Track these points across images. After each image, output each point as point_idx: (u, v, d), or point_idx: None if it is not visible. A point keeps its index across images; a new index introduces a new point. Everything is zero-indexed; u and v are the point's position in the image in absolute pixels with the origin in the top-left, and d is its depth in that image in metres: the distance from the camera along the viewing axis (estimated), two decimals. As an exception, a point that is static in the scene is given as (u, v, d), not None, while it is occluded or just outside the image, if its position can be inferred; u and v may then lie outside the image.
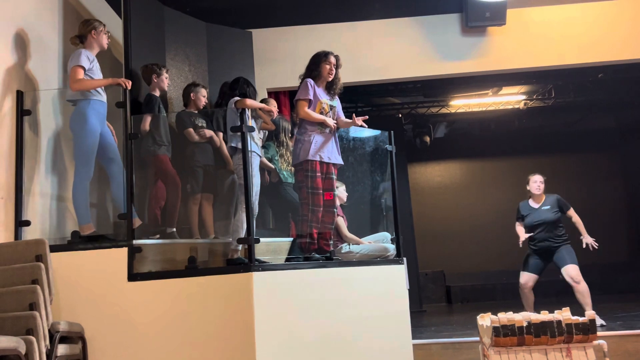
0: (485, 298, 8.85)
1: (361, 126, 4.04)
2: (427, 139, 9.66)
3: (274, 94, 6.02)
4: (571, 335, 3.54)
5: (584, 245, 5.17)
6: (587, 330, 3.55)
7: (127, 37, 4.08)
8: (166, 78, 4.24)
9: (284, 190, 4.46)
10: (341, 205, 4.63)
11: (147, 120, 3.98)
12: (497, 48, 6.11)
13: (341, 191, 4.59)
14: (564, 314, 3.63)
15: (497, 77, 7.76)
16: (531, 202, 5.43)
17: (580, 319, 3.57)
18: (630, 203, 10.30)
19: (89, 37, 3.84)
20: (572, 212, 5.32)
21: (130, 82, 3.76)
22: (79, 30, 3.90)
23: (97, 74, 3.83)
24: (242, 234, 3.54)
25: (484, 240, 10.03)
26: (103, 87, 3.82)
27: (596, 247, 5.14)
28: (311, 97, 3.90)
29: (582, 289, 5.05)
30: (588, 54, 6.11)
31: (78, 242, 3.62)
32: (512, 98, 9.00)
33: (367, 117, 4.05)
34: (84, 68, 3.66)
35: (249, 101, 3.79)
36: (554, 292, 6.75)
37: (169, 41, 4.82)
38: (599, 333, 4.34)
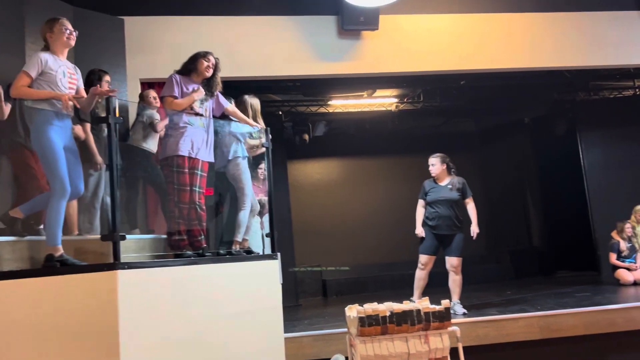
0: (358, 290, 9.19)
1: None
2: (306, 137, 9.84)
3: (148, 84, 5.81)
4: (429, 322, 3.82)
5: (472, 233, 5.50)
6: (443, 317, 3.85)
7: (-22, 17, 3.72)
8: None
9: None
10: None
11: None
12: (370, 52, 6.39)
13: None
14: (422, 303, 3.90)
15: (372, 80, 8.09)
16: (436, 180, 5.64)
17: (437, 307, 3.86)
18: (486, 202, 11.24)
19: (48, 40, 3.49)
20: (470, 201, 5.60)
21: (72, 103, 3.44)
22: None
23: (59, 81, 3.43)
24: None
25: (358, 236, 10.43)
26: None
27: (474, 237, 5.51)
28: (176, 93, 3.85)
29: (457, 279, 5.44)
30: (451, 62, 6.61)
31: None
32: (385, 100, 9.44)
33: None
34: (30, 76, 3.34)
35: None
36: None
37: (29, 24, 4.48)
38: (458, 320, 4.76)
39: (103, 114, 3.50)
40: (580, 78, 8.76)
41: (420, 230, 5.56)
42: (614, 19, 7.02)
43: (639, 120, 8.41)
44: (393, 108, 9.66)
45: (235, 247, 4.19)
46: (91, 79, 4.43)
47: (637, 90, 9.39)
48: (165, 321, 3.34)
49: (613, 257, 7.32)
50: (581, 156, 8.56)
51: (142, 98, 5.14)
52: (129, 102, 5.24)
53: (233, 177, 4.40)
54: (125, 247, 3.44)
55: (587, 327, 4.87)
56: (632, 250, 7.33)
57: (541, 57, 6.86)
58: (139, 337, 3.16)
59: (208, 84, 4.03)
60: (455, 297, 5.42)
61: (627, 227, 7.37)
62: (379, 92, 9.08)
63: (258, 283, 4.08)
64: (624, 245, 7.31)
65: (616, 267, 7.30)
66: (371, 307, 3.82)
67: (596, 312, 4.96)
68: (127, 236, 3.43)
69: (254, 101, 4.72)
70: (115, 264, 3.15)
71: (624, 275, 7.16)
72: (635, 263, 7.25)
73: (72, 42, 3.58)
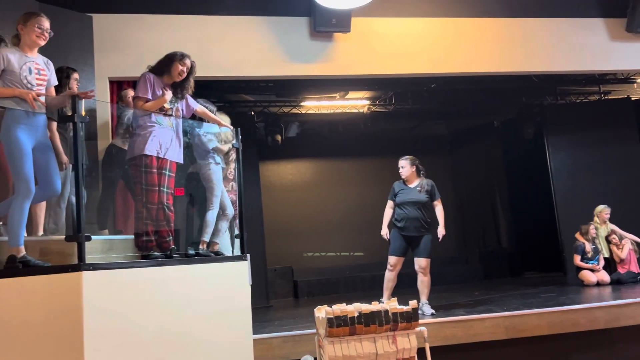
0: (329, 292, 9.22)
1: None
2: (279, 137, 9.81)
3: (117, 83, 5.73)
4: (396, 323, 3.85)
5: (438, 235, 5.56)
6: (410, 318, 3.89)
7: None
8: None
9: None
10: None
11: None
12: (342, 54, 6.42)
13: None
14: (391, 304, 3.93)
15: (344, 82, 8.14)
16: (406, 182, 5.69)
17: (405, 308, 3.90)
18: (457, 204, 11.41)
19: (19, 32, 3.41)
20: (438, 203, 5.65)
21: (41, 98, 3.35)
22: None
23: (24, 79, 3.35)
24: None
25: (329, 237, 10.47)
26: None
27: (439, 239, 5.57)
28: (150, 96, 3.81)
29: (426, 280, 5.51)
30: (422, 65, 6.68)
31: None
32: (357, 102, 9.49)
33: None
34: None
35: None
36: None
37: (-9, 17, 4.37)
38: (426, 320, 4.81)
39: (70, 113, 3.43)
40: (548, 83, 8.96)
41: (385, 232, 5.62)
42: (579, 25, 7.20)
43: (604, 124, 8.63)
44: (365, 110, 9.72)
45: (203, 247, 4.17)
46: (59, 77, 4.34)
47: (602, 95, 9.64)
48: (131, 323, 3.30)
49: (577, 259, 7.49)
50: (548, 159, 8.73)
51: (121, 98, 5.08)
52: (97, 101, 5.17)
53: (204, 177, 4.42)
54: (92, 248, 3.40)
55: (550, 327, 4.97)
56: (596, 251, 7.51)
57: (510, 61, 6.99)
58: (104, 339, 3.12)
59: (180, 86, 4.00)
60: (424, 297, 5.48)
61: (592, 228, 7.56)
62: (351, 94, 9.12)
63: (227, 284, 4.06)
64: (589, 247, 7.48)
65: (580, 268, 7.47)
66: (339, 308, 3.84)
67: (560, 313, 5.07)
68: (94, 237, 3.39)
69: (223, 117, 4.86)
70: (80, 265, 3.11)
71: (588, 276, 7.34)
72: (598, 264, 7.44)
73: (41, 43, 3.52)
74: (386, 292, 5.56)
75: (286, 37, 6.28)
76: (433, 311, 5.34)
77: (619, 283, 7.23)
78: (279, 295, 9.21)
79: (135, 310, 3.34)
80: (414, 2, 6.70)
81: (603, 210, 7.71)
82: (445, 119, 11.15)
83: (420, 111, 10.04)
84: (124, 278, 3.33)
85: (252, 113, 9.16)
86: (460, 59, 6.78)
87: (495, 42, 6.92)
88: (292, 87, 8.55)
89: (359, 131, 10.62)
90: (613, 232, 7.65)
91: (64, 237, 3.45)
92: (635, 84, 9.20)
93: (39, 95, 3.37)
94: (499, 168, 10.92)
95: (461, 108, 10.06)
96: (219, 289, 3.96)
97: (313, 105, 9.45)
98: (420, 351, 3.97)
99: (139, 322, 3.34)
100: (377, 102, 9.52)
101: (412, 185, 5.66)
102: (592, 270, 7.40)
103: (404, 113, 9.93)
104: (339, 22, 6.08)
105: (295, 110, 9.55)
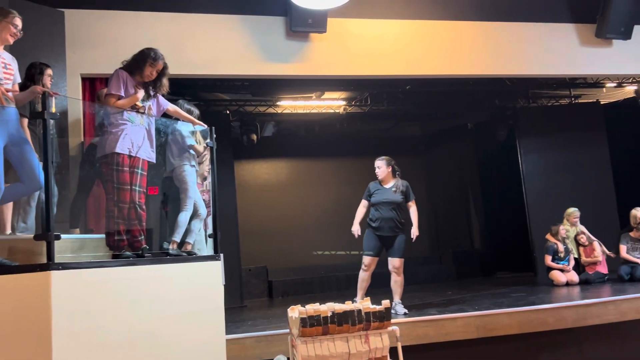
0: (304, 291, 9.22)
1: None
2: (254, 137, 9.79)
3: (89, 80, 5.65)
4: (369, 322, 3.87)
5: (412, 236, 5.59)
6: (383, 317, 3.91)
7: None
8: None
9: None
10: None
11: None
12: (318, 54, 6.43)
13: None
14: (364, 304, 3.95)
15: (320, 82, 8.16)
16: (381, 183, 5.72)
17: (377, 308, 3.92)
18: (431, 204, 11.53)
19: None
20: (413, 204, 5.68)
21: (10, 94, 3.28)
22: None
23: None
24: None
25: (305, 237, 10.47)
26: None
27: (413, 240, 5.61)
28: (122, 93, 3.78)
29: (399, 280, 5.54)
30: (397, 67, 6.73)
31: None
32: (333, 103, 9.51)
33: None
34: None
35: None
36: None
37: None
38: (399, 320, 4.85)
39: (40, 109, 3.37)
40: (520, 86, 9.12)
41: (356, 229, 5.63)
42: (551, 30, 7.35)
43: (574, 127, 8.83)
44: (341, 110, 9.75)
45: (173, 247, 4.14)
46: (32, 73, 4.27)
47: (572, 99, 9.85)
48: (101, 323, 3.25)
49: (548, 259, 7.63)
50: (520, 161, 8.88)
51: (98, 97, 5.01)
52: (69, 97, 5.09)
53: (177, 178, 4.39)
54: (62, 247, 3.35)
55: (520, 326, 5.05)
56: (567, 252, 7.66)
57: (484, 64, 7.09)
58: (73, 340, 3.07)
59: (151, 84, 3.96)
60: (397, 297, 5.53)
61: (561, 229, 7.71)
62: (327, 95, 9.14)
63: (199, 284, 4.03)
64: (561, 247, 7.62)
65: (551, 269, 7.62)
66: (313, 308, 3.84)
67: (529, 312, 5.16)
68: (64, 236, 3.33)
69: (192, 108, 4.82)
70: (49, 265, 3.05)
71: (558, 276, 7.48)
72: (568, 264, 7.59)
73: (11, 41, 3.47)
74: (360, 292, 5.59)
75: (262, 36, 6.26)
76: (406, 311, 5.38)
77: (587, 283, 7.39)
78: (254, 295, 9.18)
79: (106, 310, 3.29)
80: (389, 4, 6.75)
81: (572, 214, 7.87)
82: (419, 121, 11.25)
83: (396, 112, 10.11)
84: (94, 278, 3.28)
85: (228, 112, 9.11)
86: (434, 62, 6.85)
87: (469, 45, 7.00)
88: (268, 87, 8.53)
89: (335, 131, 10.64)
90: (582, 232, 7.82)
91: (32, 236, 3.40)
92: (604, 89, 9.42)
93: (7, 90, 3.30)
94: (472, 169, 11.07)
95: (435, 110, 10.17)
96: (192, 289, 3.93)
97: (289, 105, 9.44)
98: (393, 350, 4.00)
99: (110, 323, 3.30)
100: (353, 103, 9.55)
101: (387, 186, 5.70)
102: (562, 270, 7.54)
103: (380, 114, 9.99)
104: (315, 23, 6.08)
105: (271, 110, 9.53)
